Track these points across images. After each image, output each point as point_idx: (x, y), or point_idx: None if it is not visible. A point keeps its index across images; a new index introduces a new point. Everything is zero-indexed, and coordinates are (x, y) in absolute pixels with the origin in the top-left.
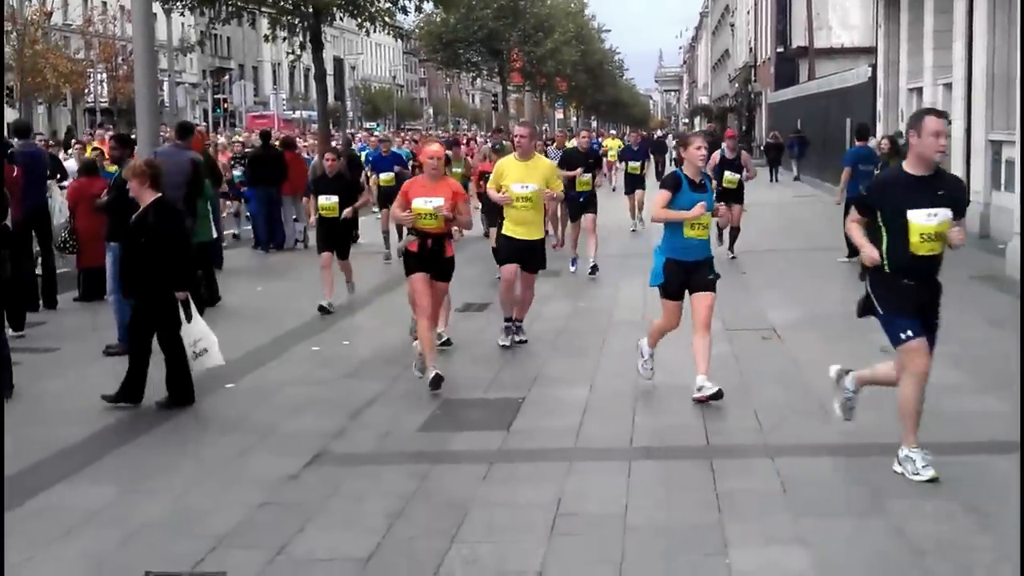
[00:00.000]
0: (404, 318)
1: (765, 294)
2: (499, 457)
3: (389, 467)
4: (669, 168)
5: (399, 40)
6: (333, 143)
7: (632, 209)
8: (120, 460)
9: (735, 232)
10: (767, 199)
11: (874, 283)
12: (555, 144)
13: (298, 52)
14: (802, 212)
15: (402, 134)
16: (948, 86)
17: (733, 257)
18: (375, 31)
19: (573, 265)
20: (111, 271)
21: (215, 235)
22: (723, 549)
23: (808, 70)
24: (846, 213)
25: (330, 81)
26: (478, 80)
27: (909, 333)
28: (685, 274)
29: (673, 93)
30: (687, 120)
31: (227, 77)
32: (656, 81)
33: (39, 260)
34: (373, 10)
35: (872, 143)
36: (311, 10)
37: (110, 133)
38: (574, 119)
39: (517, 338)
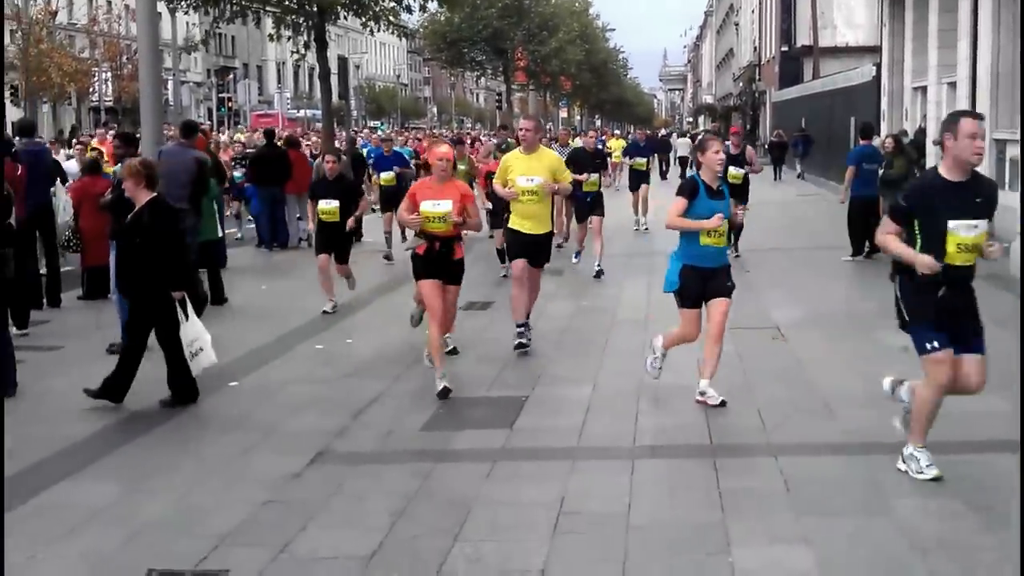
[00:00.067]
0: (406, 317)
1: (769, 293)
2: (502, 455)
3: (392, 465)
4: (674, 167)
5: (403, 39)
6: (337, 143)
7: (636, 205)
8: (123, 458)
9: (738, 230)
10: (771, 198)
11: (903, 289)
12: (558, 143)
13: (302, 51)
14: (806, 211)
15: (405, 133)
16: (952, 85)
17: (737, 256)
18: (379, 30)
19: (576, 257)
20: (115, 270)
21: (221, 234)
22: (726, 548)
23: (812, 69)
24: (850, 212)
25: (334, 80)
26: (482, 79)
27: (935, 344)
28: (702, 281)
29: (677, 92)
30: (691, 119)
31: (231, 76)
32: (660, 80)
33: (43, 259)
34: (377, 9)
35: (876, 142)
36: (315, 9)
37: (111, 132)
38: (578, 118)
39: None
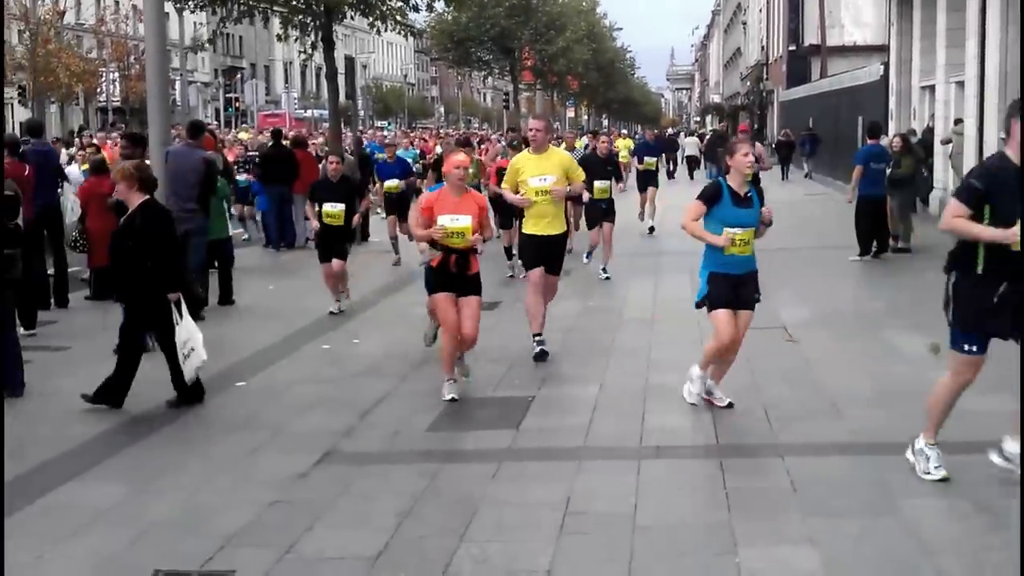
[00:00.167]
0: (412, 317)
1: (776, 293)
2: (508, 456)
3: (398, 466)
4: (682, 167)
5: (410, 38)
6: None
7: (643, 207)
8: (129, 459)
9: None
10: (778, 197)
11: (958, 286)
12: (564, 145)
13: (310, 51)
14: (813, 210)
15: (411, 134)
16: (961, 84)
17: None
18: (386, 30)
19: (587, 257)
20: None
21: (230, 233)
22: (732, 548)
23: (820, 68)
24: (857, 211)
25: (341, 80)
26: (489, 78)
27: (973, 348)
28: (732, 287)
29: (685, 91)
30: (698, 118)
31: (239, 76)
32: (668, 79)
33: (51, 259)
34: (384, 9)
35: (884, 141)
36: (322, 9)
37: (115, 134)
38: (585, 117)
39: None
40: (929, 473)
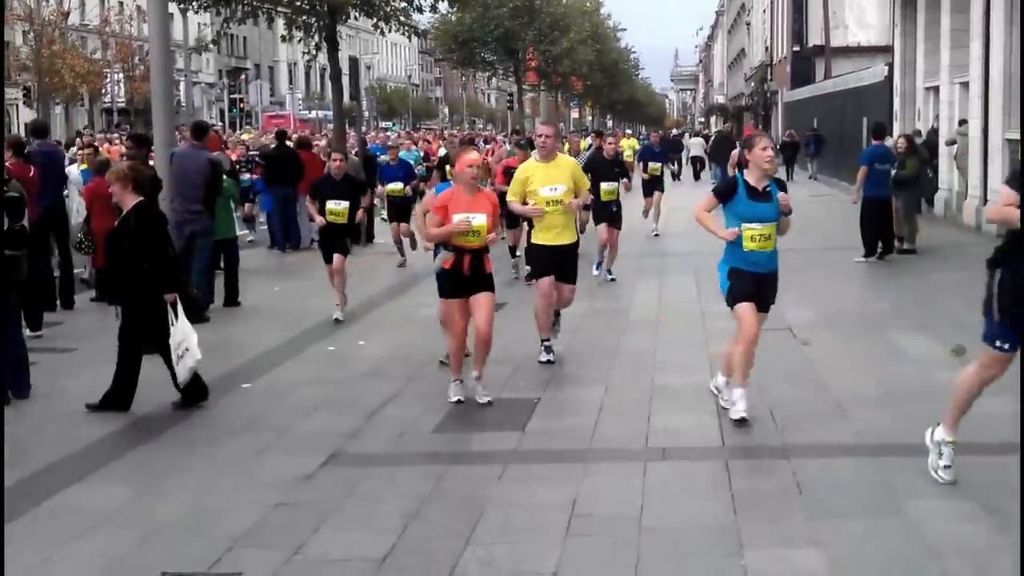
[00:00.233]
0: (418, 319)
1: (781, 294)
2: (514, 458)
3: (404, 467)
4: (687, 167)
5: (414, 39)
6: (350, 143)
7: (647, 211)
8: (136, 460)
9: None
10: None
11: (1003, 282)
12: (567, 147)
13: (314, 52)
14: (818, 211)
15: (415, 135)
16: (965, 85)
17: None
18: (390, 30)
19: (597, 269)
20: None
21: (237, 233)
22: (738, 550)
23: (824, 69)
24: (862, 212)
25: (346, 81)
26: (493, 79)
27: (1007, 346)
28: (754, 284)
29: (689, 92)
30: (703, 119)
31: (243, 77)
32: (672, 80)
33: (56, 260)
34: (388, 9)
35: (888, 142)
36: (326, 9)
37: (118, 136)
38: (590, 118)
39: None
40: (937, 471)
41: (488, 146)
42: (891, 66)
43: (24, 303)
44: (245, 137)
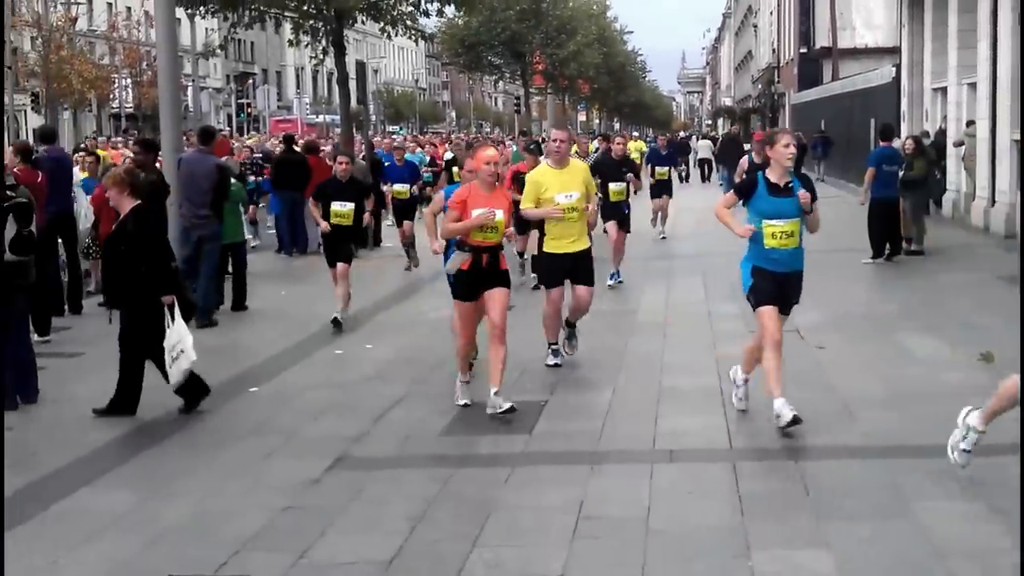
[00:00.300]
0: (425, 322)
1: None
2: (521, 460)
3: (411, 470)
4: (694, 170)
5: (421, 43)
6: (357, 145)
7: (656, 213)
8: (143, 464)
9: None
10: None
11: None
12: (574, 149)
13: (321, 56)
14: (826, 213)
15: (421, 138)
16: (973, 86)
17: None
18: (397, 35)
19: (611, 278)
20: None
21: (247, 237)
22: (746, 552)
23: (832, 70)
24: (870, 214)
25: (353, 85)
26: (500, 83)
27: None
28: (776, 284)
29: (696, 94)
30: (710, 121)
31: (251, 82)
32: (679, 82)
33: (65, 265)
34: (395, 13)
35: (896, 144)
36: (333, 14)
37: (121, 140)
38: (597, 121)
39: (568, 350)
40: (954, 451)
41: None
42: (898, 67)
43: (32, 308)
44: (250, 141)
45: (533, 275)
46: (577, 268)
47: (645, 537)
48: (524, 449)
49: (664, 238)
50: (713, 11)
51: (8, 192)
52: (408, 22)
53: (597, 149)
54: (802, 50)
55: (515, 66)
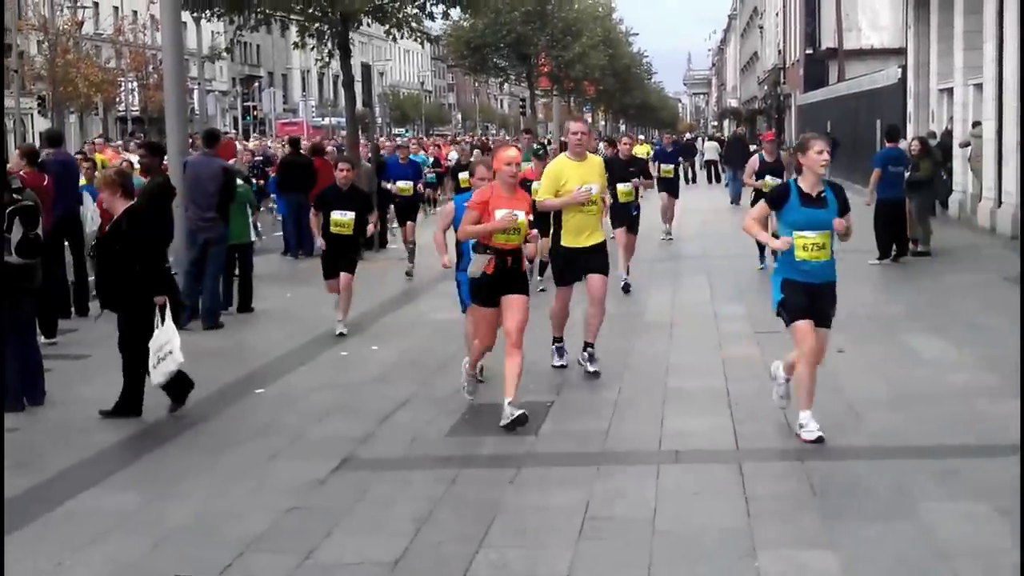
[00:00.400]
0: (430, 323)
1: None
2: (527, 461)
3: (417, 471)
4: (700, 172)
5: (426, 45)
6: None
7: (664, 211)
8: (148, 466)
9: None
10: None
11: None
12: None
13: (327, 59)
14: None
15: (426, 141)
16: (979, 87)
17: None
18: (403, 37)
19: (624, 286)
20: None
21: (252, 238)
22: (752, 552)
23: (838, 72)
24: (876, 215)
25: (358, 88)
26: (506, 85)
27: None
28: (807, 296)
29: (702, 96)
30: (715, 123)
31: (257, 85)
32: (684, 84)
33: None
34: (400, 16)
35: (902, 144)
36: (339, 17)
37: (118, 142)
38: (602, 123)
39: (591, 368)
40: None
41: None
42: (904, 68)
43: (39, 310)
44: (251, 145)
45: (539, 278)
46: (591, 260)
47: (651, 538)
48: (530, 450)
49: (670, 239)
50: (715, 13)
51: (14, 195)
52: (413, 24)
53: (599, 152)
54: (808, 51)
55: (520, 68)
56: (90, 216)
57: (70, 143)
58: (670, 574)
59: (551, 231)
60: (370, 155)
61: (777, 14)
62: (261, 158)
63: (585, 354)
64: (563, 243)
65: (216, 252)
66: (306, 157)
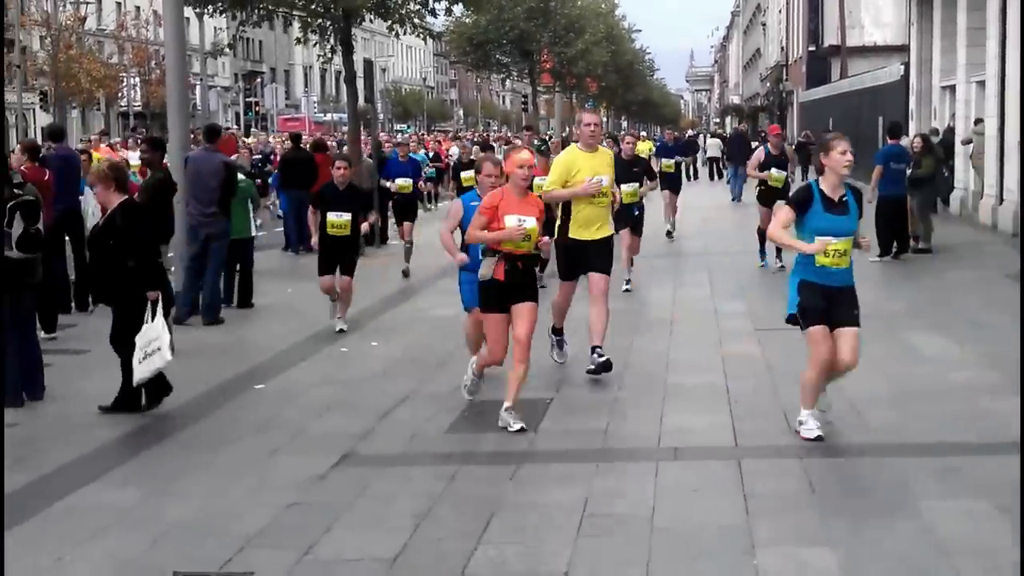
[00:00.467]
0: (430, 320)
1: None
2: (527, 458)
3: (416, 468)
4: (702, 169)
5: (429, 41)
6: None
7: (666, 208)
8: (148, 461)
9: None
10: None
11: None
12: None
13: (329, 55)
14: None
15: (426, 138)
16: (981, 84)
17: (782, 267)
18: (405, 33)
19: (627, 285)
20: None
21: (253, 233)
22: (751, 550)
23: (840, 68)
24: (878, 212)
25: (361, 84)
26: (508, 81)
27: None
28: (826, 300)
29: (704, 93)
30: (718, 120)
31: (259, 80)
32: (687, 81)
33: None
34: (403, 12)
35: (904, 141)
36: (341, 12)
37: (115, 140)
38: (605, 119)
39: (600, 361)
40: None
41: (507, 149)
42: (907, 65)
43: (39, 305)
44: (249, 141)
45: (541, 273)
46: (596, 258)
47: (650, 535)
48: (529, 447)
49: (670, 235)
50: (718, 13)
51: (15, 190)
52: (416, 20)
53: None
54: (811, 48)
55: (523, 64)
56: (91, 211)
57: (72, 138)
58: (669, 571)
59: (557, 224)
60: (371, 151)
61: (780, 11)
62: (260, 156)
63: (595, 356)
64: (571, 234)
65: (217, 248)
66: (308, 153)
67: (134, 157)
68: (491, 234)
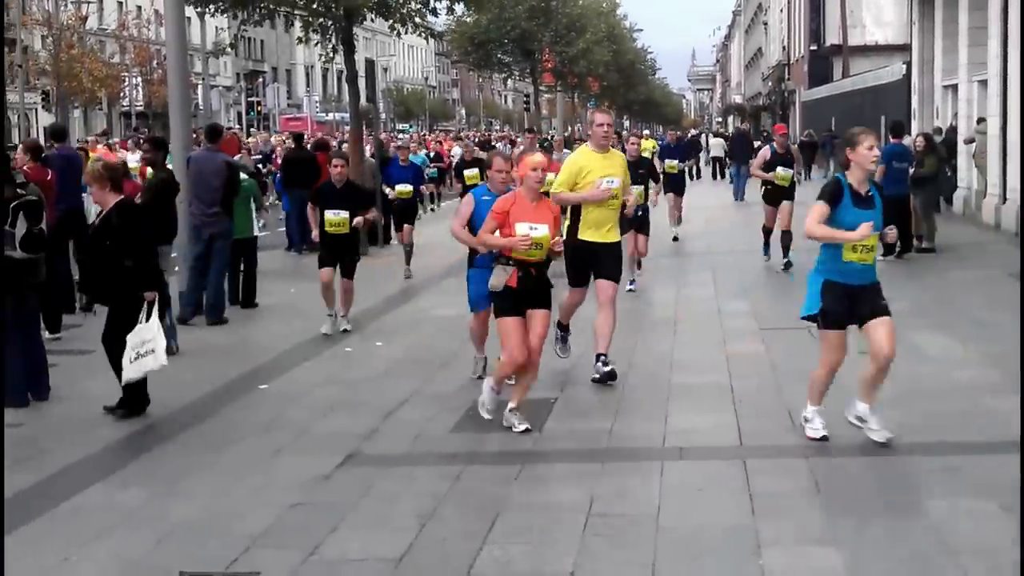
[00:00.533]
0: (434, 319)
1: (799, 292)
2: (531, 458)
3: (421, 468)
4: (705, 169)
5: (431, 40)
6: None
7: (671, 211)
8: (153, 461)
9: (788, 237)
10: (802, 197)
11: None
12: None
13: (330, 55)
14: None
15: (427, 138)
16: (983, 83)
17: (788, 264)
18: (407, 33)
19: (631, 285)
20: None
21: (256, 233)
22: (756, 550)
23: (842, 68)
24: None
25: (362, 83)
26: (510, 81)
27: None
28: (849, 300)
29: (706, 92)
30: (720, 119)
31: (261, 80)
32: (689, 80)
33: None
34: (404, 11)
35: (907, 141)
36: (342, 12)
37: (112, 140)
38: None
39: (606, 369)
40: None
41: (512, 149)
42: (909, 64)
43: (43, 306)
44: (249, 141)
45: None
46: (604, 264)
47: (655, 535)
48: (534, 447)
49: (676, 238)
50: (719, 13)
51: (18, 190)
52: (417, 20)
53: None
54: (812, 47)
55: (525, 64)
56: (94, 211)
57: (74, 138)
58: (674, 571)
59: (567, 224)
60: (373, 151)
61: (781, 10)
62: (260, 156)
63: (599, 364)
64: (580, 236)
65: (221, 247)
66: (309, 152)
67: (133, 159)
68: (500, 240)
